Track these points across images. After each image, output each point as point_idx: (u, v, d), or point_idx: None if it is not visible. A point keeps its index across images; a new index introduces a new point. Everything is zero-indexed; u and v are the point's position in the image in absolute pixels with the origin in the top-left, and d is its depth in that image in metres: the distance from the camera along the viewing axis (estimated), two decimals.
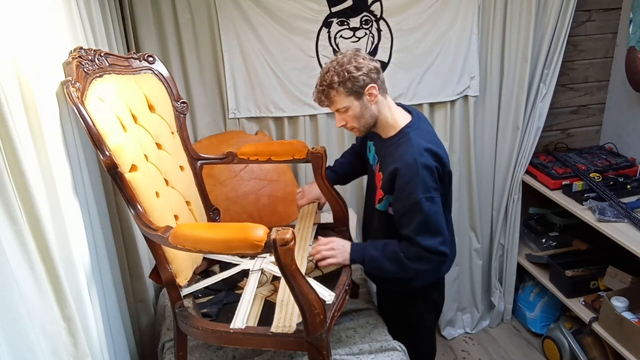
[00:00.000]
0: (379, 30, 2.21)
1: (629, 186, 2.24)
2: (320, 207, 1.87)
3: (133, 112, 1.43)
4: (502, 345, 2.71)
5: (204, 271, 1.67)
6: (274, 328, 1.30)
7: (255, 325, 1.36)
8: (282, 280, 1.34)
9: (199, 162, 1.75)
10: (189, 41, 2.11)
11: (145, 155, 1.41)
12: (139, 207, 1.30)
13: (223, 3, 2.06)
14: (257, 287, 1.53)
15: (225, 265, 1.68)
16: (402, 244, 1.53)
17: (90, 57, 1.37)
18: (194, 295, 1.54)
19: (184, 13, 2.07)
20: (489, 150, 2.54)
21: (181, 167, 1.66)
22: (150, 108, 1.54)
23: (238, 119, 2.25)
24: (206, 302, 1.51)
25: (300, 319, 1.25)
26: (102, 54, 1.43)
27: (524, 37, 2.30)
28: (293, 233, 1.09)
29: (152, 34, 2.07)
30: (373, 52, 2.23)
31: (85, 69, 1.31)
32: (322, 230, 1.80)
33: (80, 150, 1.32)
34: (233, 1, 2.07)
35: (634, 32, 2.32)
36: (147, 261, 1.80)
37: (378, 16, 2.19)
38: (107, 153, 1.23)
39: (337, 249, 1.57)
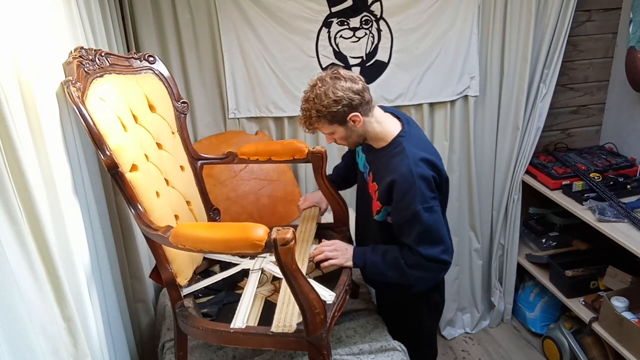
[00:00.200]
0: (379, 30, 2.21)
1: (629, 186, 2.24)
2: (321, 213, 1.87)
3: (133, 112, 1.43)
4: (502, 345, 2.71)
5: (204, 271, 1.67)
6: (274, 328, 1.30)
7: (256, 325, 1.36)
8: (283, 280, 1.34)
9: (199, 162, 1.75)
10: (189, 41, 2.11)
11: (145, 155, 1.41)
12: (140, 206, 1.30)
13: (223, 3, 2.06)
14: (258, 287, 1.53)
15: (226, 265, 1.68)
16: (404, 251, 1.52)
17: (90, 57, 1.37)
18: (194, 295, 1.54)
19: (184, 13, 2.07)
20: (489, 150, 2.54)
21: (181, 167, 1.66)
22: (151, 108, 1.54)
23: (238, 119, 2.25)
24: (206, 302, 1.51)
25: (301, 319, 1.25)
26: (102, 54, 1.43)
27: (524, 37, 2.30)
28: (293, 233, 1.09)
29: (152, 34, 2.07)
30: (373, 52, 2.23)
31: (85, 69, 1.31)
32: (323, 230, 1.80)
33: (80, 150, 1.32)
34: (233, 1, 2.07)
35: (634, 32, 2.32)
36: (147, 261, 1.80)
37: (378, 16, 2.19)
38: (107, 153, 1.23)
39: (340, 251, 1.58)
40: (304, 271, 1.45)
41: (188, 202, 1.64)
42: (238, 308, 1.42)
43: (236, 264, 1.67)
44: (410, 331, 1.76)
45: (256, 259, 1.67)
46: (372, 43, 2.23)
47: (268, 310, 1.40)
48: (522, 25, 2.28)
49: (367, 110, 1.51)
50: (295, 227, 1.74)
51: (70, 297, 1.07)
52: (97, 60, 1.40)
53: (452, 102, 2.37)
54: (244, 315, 1.38)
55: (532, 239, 2.70)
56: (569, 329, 2.46)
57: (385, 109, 1.62)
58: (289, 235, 1.08)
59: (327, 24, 2.16)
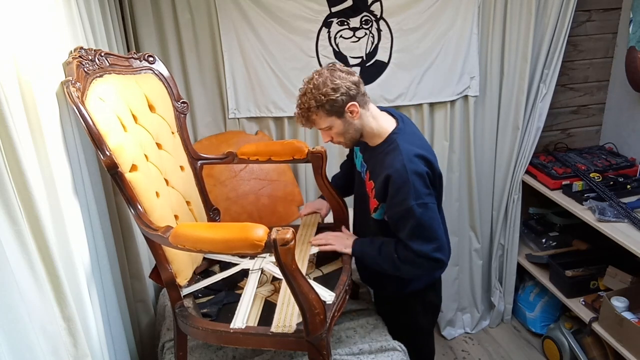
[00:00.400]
0: (379, 30, 2.21)
1: (629, 186, 2.24)
2: (322, 218, 1.87)
3: (133, 112, 1.43)
4: (502, 345, 2.71)
5: (204, 271, 1.67)
6: (274, 328, 1.30)
7: (256, 325, 1.36)
8: (283, 281, 1.34)
9: (199, 162, 1.75)
10: (189, 41, 2.11)
11: (145, 155, 1.41)
12: (139, 207, 1.30)
13: (223, 3, 2.06)
14: (257, 287, 1.53)
15: (225, 265, 1.68)
16: (399, 245, 1.54)
17: (90, 57, 1.37)
18: (194, 295, 1.54)
19: (184, 13, 2.07)
20: (489, 150, 2.54)
21: (181, 167, 1.66)
22: (151, 108, 1.54)
23: (238, 119, 2.25)
24: (206, 302, 1.51)
25: (300, 319, 1.25)
26: (102, 54, 1.43)
27: (524, 37, 2.30)
28: (293, 233, 1.09)
29: (152, 34, 2.07)
30: (373, 52, 2.23)
31: (85, 69, 1.31)
32: (322, 230, 1.80)
33: (80, 150, 1.32)
34: (233, 1, 2.07)
35: (634, 32, 2.32)
36: (147, 261, 1.80)
37: (378, 16, 2.19)
38: (107, 153, 1.23)
39: (341, 238, 1.66)
40: (303, 271, 1.45)
41: (188, 202, 1.64)
42: (238, 308, 1.42)
43: (236, 264, 1.67)
44: (407, 330, 1.77)
45: (256, 259, 1.67)
46: (372, 43, 2.22)
47: (268, 311, 1.40)
48: (522, 25, 2.28)
49: (363, 103, 1.52)
50: (295, 227, 1.75)
51: (70, 297, 1.07)
52: (96, 60, 1.40)
53: (452, 102, 2.37)
54: (244, 316, 1.38)
55: (532, 239, 2.70)
56: (569, 329, 2.46)
57: (380, 109, 1.63)
58: (289, 235, 1.08)
59: (327, 24, 2.16)
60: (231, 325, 1.34)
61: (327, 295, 1.42)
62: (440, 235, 1.52)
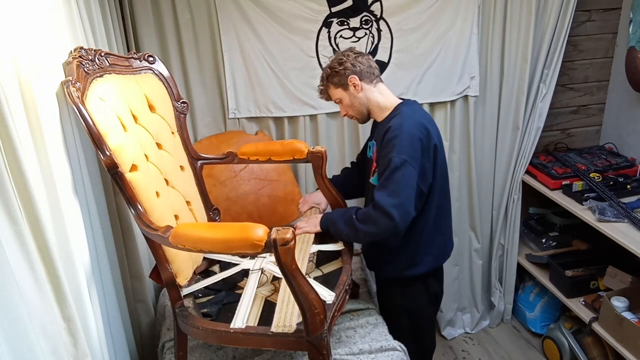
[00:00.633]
0: (379, 30, 2.21)
1: (629, 186, 2.24)
2: (321, 212, 1.87)
3: (133, 112, 1.43)
4: (502, 345, 2.71)
5: (204, 271, 1.67)
6: (274, 328, 1.30)
7: (256, 325, 1.36)
8: (283, 280, 1.34)
9: (199, 162, 1.75)
10: (189, 41, 2.11)
11: (145, 155, 1.41)
12: (139, 207, 1.30)
13: (223, 3, 2.06)
14: (257, 287, 1.53)
15: (225, 265, 1.68)
16: (360, 209, 1.63)
17: (90, 57, 1.37)
18: (194, 295, 1.54)
19: (184, 13, 2.06)
20: (489, 150, 2.54)
21: (181, 167, 1.66)
22: (151, 108, 1.54)
23: (238, 119, 2.25)
24: (206, 302, 1.51)
25: (301, 319, 1.25)
26: (102, 54, 1.43)
27: (524, 37, 2.30)
28: (293, 232, 1.09)
29: (152, 34, 2.07)
30: (373, 52, 2.23)
31: (85, 69, 1.31)
32: None
33: (80, 150, 1.32)
34: (233, 1, 2.07)
35: (634, 32, 2.32)
36: (147, 261, 1.80)
37: (378, 16, 2.19)
38: (107, 153, 1.23)
39: (310, 219, 1.75)
40: (303, 271, 1.45)
41: (188, 202, 1.64)
42: (238, 308, 1.42)
43: (236, 264, 1.67)
44: (411, 321, 1.81)
45: (256, 259, 1.67)
46: (372, 43, 2.22)
47: (268, 310, 1.40)
48: (522, 25, 2.28)
49: (369, 79, 1.68)
50: (295, 227, 1.75)
51: (70, 297, 1.07)
52: (96, 60, 1.40)
53: (452, 102, 2.37)
54: (244, 315, 1.38)
55: (532, 239, 2.70)
56: (569, 329, 2.46)
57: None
58: (289, 235, 1.08)
59: (327, 24, 2.16)
60: (231, 325, 1.34)
61: (327, 295, 1.42)
62: (405, 196, 1.54)
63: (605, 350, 2.28)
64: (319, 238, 1.73)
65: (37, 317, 0.97)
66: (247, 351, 1.59)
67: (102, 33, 1.64)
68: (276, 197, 2.21)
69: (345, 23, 2.17)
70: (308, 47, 2.17)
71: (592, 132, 2.70)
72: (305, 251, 1.64)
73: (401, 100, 1.71)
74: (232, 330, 1.32)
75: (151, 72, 1.60)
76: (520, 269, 2.73)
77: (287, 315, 1.34)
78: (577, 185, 2.30)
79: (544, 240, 2.62)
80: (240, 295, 1.49)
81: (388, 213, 1.52)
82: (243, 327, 1.33)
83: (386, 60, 2.25)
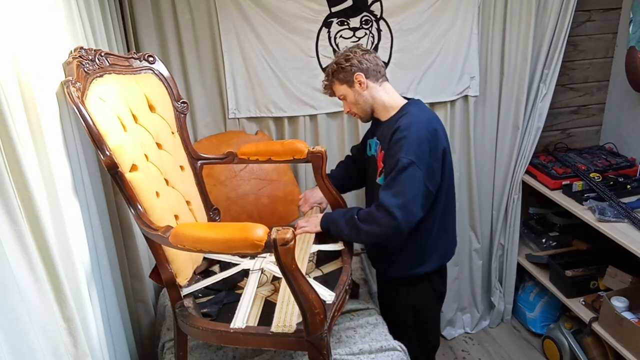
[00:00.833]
0: (379, 30, 2.21)
1: (629, 186, 2.24)
2: (322, 212, 1.88)
3: (133, 112, 1.43)
4: (502, 345, 2.71)
5: (204, 271, 1.67)
6: (274, 328, 1.30)
7: (256, 325, 1.36)
8: (283, 280, 1.34)
9: (199, 162, 1.75)
10: (189, 41, 2.11)
11: (145, 155, 1.41)
12: (139, 206, 1.30)
13: (223, 3, 2.06)
14: (257, 287, 1.53)
15: (226, 265, 1.68)
16: (362, 209, 1.62)
17: (90, 57, 1.37)
18: (194, 295, 1.54)
19: (184, 13, 2.06)
20: (489, 150, 2.54)
21: (181, 167, 1.66)
22: (151, 108, 1.54)
23: (238, 119, 2.25)
24: (206, 302, 1.51)
25: (301, 319, 1.25)
26: (102, 54, 1.43)
27: (524, 37, 2.30)
28: (293, 233, 1.09)
29: (152, 34, 2.07)
30: None
31: (85, 69, 1.31)
32: None
33: (80, 150, 1.32)
34: (233, 1, 2.07)
35: (634, 32, 2.32)
36: (147, 261, 1.80)
37: (378, 16, 2.19)
38: (107, 153, 1.23)
39: (311, 219, 1.74)
40: (303, 271, 1.45)
41: (188, 202, 1.64)
42: (238, 308, 1.42)
43: (236, 264, 1.67)
44: (416, 319, 1.81)
45: (256, 259, 1.67)
46: (372, 43, 2.23)
47: (268, 310, 1.40)
48: (522, 25, 2.28)
49: (375, 77, 1.66)
50: (295, 227, 1.75)
51: (70, 297, 1.07)
52: (97, 60, 1.40)
53: (452, 102, 2.37)
54: (244, 315, 1.38)
55: (532, 239, 2.70)
56: (569, 329, 2.46)
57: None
58: (289, 235, 1.08)
59: (327, 24, 2.16)
60: (231, 325, 1.33)
61: (327, 295, 1.42)
62: (410, 197, 1.53)
63: (605, 350, 2.28)
64: (319, 238, 1.73)
65: (37, 317, 0.97)
66: (247, 351, 1.59)
67: (102, 33, 1.64)
68: (276, 197, 2.21)
69: (345, 23, 2.17)
70: (308, 47, 2.17)
71: (592, 132, 2.70)
72: (305, 251, 1.64)
73: (406, 100, 1.70)
74: (232, 330, 1.32)
75: (151, 72, 1.60)
76: (520, 269, 2.73)
77: (287, 315, 1.34)
78: (577, 185, 2.30)
79: (544, 240, 2.62)
80: (240, 295, 1.49)
81: (391, 213, 1.51)
82: (243, 327, 1.33)
83: (386, 60, 2.25)
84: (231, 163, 1.80)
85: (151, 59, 1.61)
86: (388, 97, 1.68)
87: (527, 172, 2.53)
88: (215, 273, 1.66)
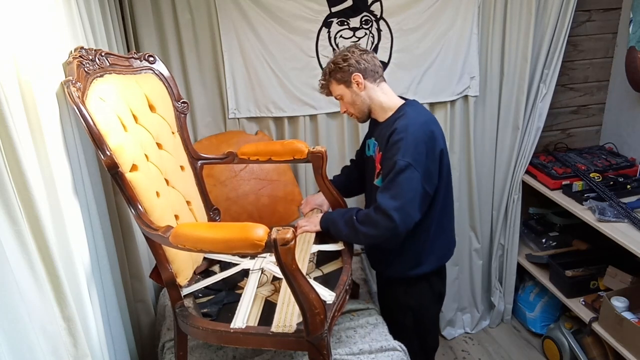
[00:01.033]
0: (379, 30, 2.21)
1: (629, 186, 2.24)
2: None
3: (134, 112, 1.43)
4: (502, 345, 2.71)
5: (204, 271, 1.67)
6: (274, 328, 1.30)
7: (256, 325, 1.36)
8: (283, 280, 1.34)
9: (199, 162, 1.75)
10: (189, 41, 2.11)
11: (145, 155, 1.41)
12: (140, 206, 1.30)
13: (223, 3, 2.06)
14: (258, 287, 1.53)
15: (226, 265, 1.68)
16: (360, 210, 1.62)
17: (91, 57, 1.37)
18: (194, 295, 1.54)
19: (184, 13, 2.06)
20: (489, 150, 2.54)
21: (181, 167, 1.66)
22: (151, 108, 1.54)
23: (238, 119, 2.25)
24: (206, 301, 1.51)
25: (301, 319, 1.25)
26: (102, 54, 1.43)
27: (524, 37, 2.30)
28: (294, 233, 1.09)
29: (152, 34, 2.07)
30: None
31: (85, 69, 1.31)
32: None
33: (80, 150, 1.32)
34: (233, 1, 2.07)
35: (634, 32, 2.32)
36: (147, 261, 1.80)
37: (378, 16, 2.19)
38: (107, 153, 1.23)
39: (311, 219, 1.75)
40: (304, 271, 1.45)
41: (188, 202, 1.64)
42: (238, 308, 1.42)
43: (236, 264, 1.67)
44: (415, 319, 1.81)
45: (256, 259, 1.67)
46: (372, 43, 2.23)
47: (268, 310, 1.40)
48: (522, 25, 2.28)
49: (372, 78, 1.65)
50: (295, 227, 1.75)
51: (70, 297, 1.07)
52: (97, 60, 1.40)
53: (452, 102, 2.37)
54: (244, 315, 1.38)
55: (532, 239, 2.70)
56: (569, 329, 2.46)
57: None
58: (289, 235, 1.08)
59: (327, 24, 2.16)
60: (231, 325, 1.33)
61: (327, 295, 1.42)
62: (407, 200, 1.54)
63: (605, 350, 2.28)
64: (320, 238, 1.73)
65: (37, 317, 0.97)
66: (247, 351, 1.59)
67: (102, 33, 1.64)
68: (276, 197, 2.21)
69: (345, 23, 2.17)
70: (308, 47, 2.17)
71: (592, 132, 2.70)
72: (305, 251, 1.64)
73: (403, 101, 1.70)
74: (232, 330, 1.32)
75: (151, 72, 1.60)
76: (520, 269, 2.73)
77: (287, 315, 1.34)
78: (577, 185, 2.30)
79: (544, 240, 2.62)
80: (240, 295, 1.49)
81: (389, 215, 1.52)
82: (243, 327, 1.33)
83: (386, 60, 2.25)
84: (231, 163, 1.80)
85: (151, 58, 1.61)
86: (385, 97, 1.68)
87: (527, 172, 2.53)
88: (215, 273, 1.66)
